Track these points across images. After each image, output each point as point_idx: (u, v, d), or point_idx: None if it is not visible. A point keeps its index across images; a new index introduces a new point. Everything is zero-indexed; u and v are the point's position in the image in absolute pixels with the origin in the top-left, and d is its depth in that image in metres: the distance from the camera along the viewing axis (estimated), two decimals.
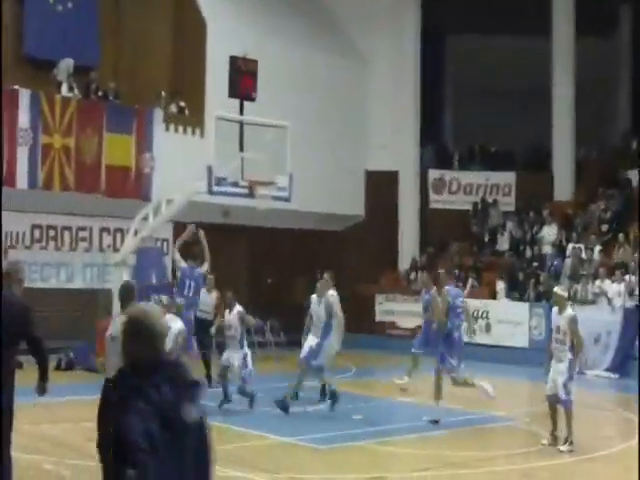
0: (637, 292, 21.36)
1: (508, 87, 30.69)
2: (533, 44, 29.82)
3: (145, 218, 19.46)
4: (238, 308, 14.60)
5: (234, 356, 14.22)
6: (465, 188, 29.65)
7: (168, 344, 11.76)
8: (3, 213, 20.44)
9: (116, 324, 9.11)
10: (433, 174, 29.77)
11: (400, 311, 24.13)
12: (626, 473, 11.66)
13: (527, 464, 11.58)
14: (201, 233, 17.15)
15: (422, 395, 16.11)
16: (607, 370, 21.10)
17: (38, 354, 8.12)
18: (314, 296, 15.04)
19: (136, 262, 19.00)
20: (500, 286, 24.06)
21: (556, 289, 13.43)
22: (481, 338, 23.74)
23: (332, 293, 15.75)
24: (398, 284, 27.09)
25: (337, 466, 11.36)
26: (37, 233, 21.85)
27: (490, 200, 29.03)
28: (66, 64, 21.97)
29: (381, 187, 28.60)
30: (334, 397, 14.41)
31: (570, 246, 24.24)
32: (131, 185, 21.90)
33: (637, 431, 11.40)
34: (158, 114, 22.86)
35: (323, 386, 15.04)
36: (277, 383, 15.66)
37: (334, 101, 27.41)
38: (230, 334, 14.42)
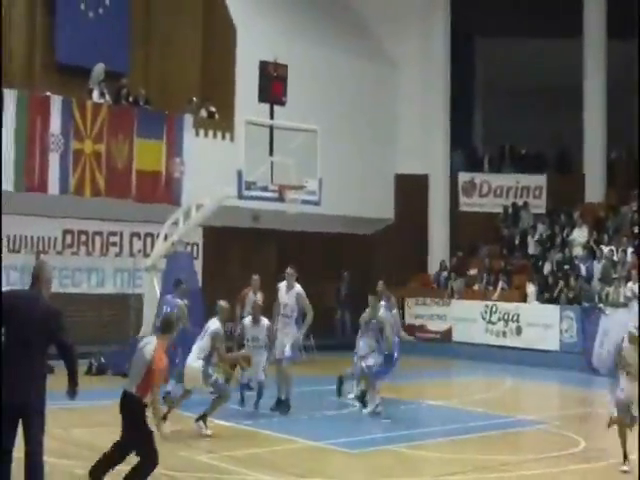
0: None
1: (538, 89, 30.62)
2: (564, 45, 29.75)
3: (175, 223, 19.54)
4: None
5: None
6: (495, 191, 29.57)
7: None
8: (35, 218, 20.91)
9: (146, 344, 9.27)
10: (463, 177, 29.72)
11: (430, 314, 24.13)
12: None
13: (557, 468, 11.51)
14: None
15: (452, 399, 16.11)
16: None
17: (67, 359, 8.19)
18: (283, 285, 15.24)
19: (166, 267, 19.07)
20: (530, 289, 23.97)
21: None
22: (512, 341, 23.69)
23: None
24: (428, 288, 27.07)
25: (367, 470, 11.37)
26: (68, 238, 22.01)
27: (520, 203, 28.93)
28: (98, 70, 22.15)
29: (411, 190, 28.60)
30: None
31: (602, 248, 24.14)
32: (161, 190, 22.02)
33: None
34: (188, 119, 22.98)
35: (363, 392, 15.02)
36: (308, 387, 15.70)
37: (363, 105, 27.44)
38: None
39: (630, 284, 22.02)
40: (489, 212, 29.11)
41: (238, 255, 24.65)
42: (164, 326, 9.42)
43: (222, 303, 13.26)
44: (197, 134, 23.24)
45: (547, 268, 24.67)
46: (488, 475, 11.12)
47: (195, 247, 23.26)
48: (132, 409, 8.84)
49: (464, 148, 31.19)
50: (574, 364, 21.67)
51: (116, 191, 21.32)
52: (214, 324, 12.82)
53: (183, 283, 16.59)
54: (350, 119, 26.82)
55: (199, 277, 20.77)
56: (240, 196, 17.85)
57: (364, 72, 27.78)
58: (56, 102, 20.57)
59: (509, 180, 29.61)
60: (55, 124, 20.44)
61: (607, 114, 28.78)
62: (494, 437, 13.69)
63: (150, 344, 9.14)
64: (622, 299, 22.09)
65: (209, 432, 12.55)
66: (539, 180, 29.44)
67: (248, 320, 14.95)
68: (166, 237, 19.59)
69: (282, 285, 15.54)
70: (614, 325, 21.67)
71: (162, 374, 9.03)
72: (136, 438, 8.79)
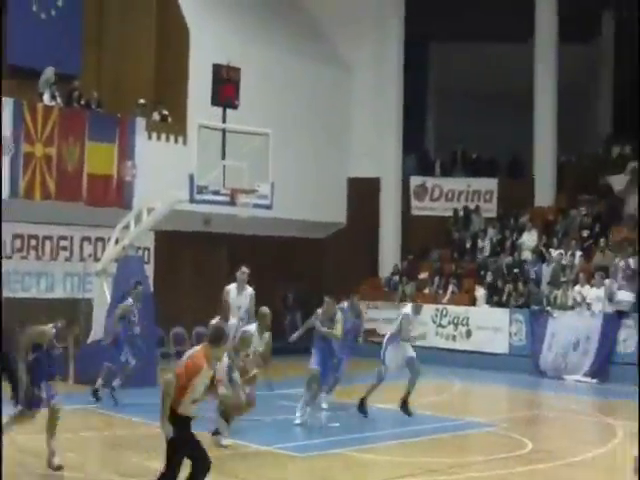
0: (617, 297, 21.54)
1: (490, 94, 30.88)
2: (515, 51, 30.05)
3: (126, 227, 19.46)
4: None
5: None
6: (447, 195, 29.79)
7: None
8: None
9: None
10: (415, 181, 29.90)
11: (381, 318, 24.16)
12: (604, 476, 11.83)
13: (505, 470, 11.64)
14: None
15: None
16: (586, 375, 21.29)
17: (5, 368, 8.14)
18: (233, 287, 15.22)
19: (117, 271, 19.01)
20: (480, 292, 24.20)
21: None
22: (461, 344, 23.90)
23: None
24: (379, 291, 27.19)
25: (316, 474, 11.42)
26: (18, 242, 21.77)
27: (472, 207, 29.17)
28: (47, 74, 21.98)
29: (363, 194, 28.73)
30: None
31: (552, 252, 24.42)
32: (112, 194, 21.92)
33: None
34: (140, 122, 22.89)
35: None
36: (259, 391, 15.70)
37: (317, 109, 27.52)
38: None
39: (578, 287, 22.32)
40: (440, 216, 29.32)
41: (190, 259, 24.61)
42: (211, 337, 8.64)
43: (264, 309, 13.07)
44: (149, 137, 23.16)
45: (497, 272, 24.91)
46: (437, 478, 11.25)
47: (146, 251, 23.18)
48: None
49: (416, 152, 31.38)
50: (523, 367, 21.93)
51: (67, 195, 21.18)
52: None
53: (141, 285, 16.64)
54: (303, 123, 26.89)
55: (150, 281, 20.69)
56: (192, 200, 17.84)
57: (318, 76, 27.86)
58: (7, 104, 20.40)
59: (460, 184, 29.85)
60: (6, 127, 20.27)
61: (557, 118, 29.05)
62: (443, 440, 13.83)
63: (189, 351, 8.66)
64: (570, 302, 22.40)
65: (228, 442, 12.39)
66: (490, 184, 29.69)
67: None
68: (117, 241, 19.53)
69: (232, 287, 15.54)
70: (562, 328, 22.10)
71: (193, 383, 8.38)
72: (179, 446, 8.43)
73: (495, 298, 24.11)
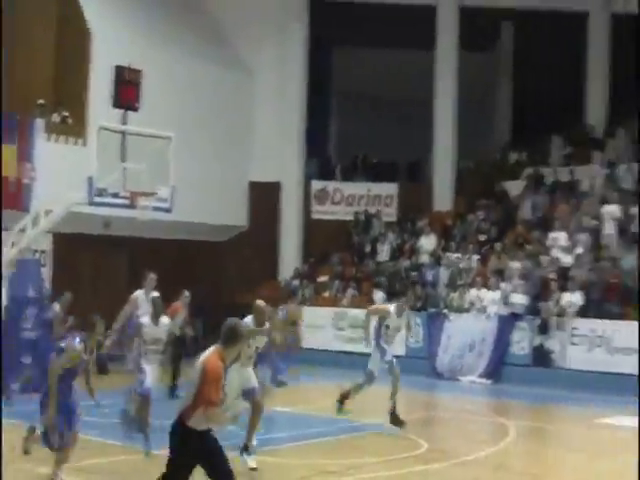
0: (511, 300, 22.06)
1: (392, 100, 31.30)
2: (417, 58, 30.46)
3: (23, 229, 19.22)
4: None
5: None
6: (348, 199, 30.08)
7: None
8: None
9: None
10: (316, 185, 30.13)
11: None
12: (495, 474, 12.14)
13: (401, 470, 11.85)
14: None
15: (299, 404, 16.36)
16: (481, 376, 21.74)
17: None
18: (140, 293, 15.20)
19: (13, 274, 18.72)
20: (378, 295, 24.46)
21: None
22: (359, 347, 24.04)
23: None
24: (278, 294, 27.21)
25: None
26: None
27: (372, 211, 29.47)
28: None
29: (264, 198, 28.85)
30: None
31: (449, 255, 24.86)
32: (9, 196, 21.55)
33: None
34: (39, 124, 22.60)
35: None
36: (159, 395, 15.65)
37: (219, 112, 27.50)
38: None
39: (474, 290, 22.78)
40: (341, 220, 29.57)
41: (89, 262, 24.37)
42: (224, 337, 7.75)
43: (260, 302, 12.41)
44: (49, 139, 22.90)
45: (395, 275, 25.24)
46: (333, 479, 11.38)
47: (43, 254, 22.86)
48: None
49: (318, 156, 31.60)
50: (420, 369, 22.24)
51: None
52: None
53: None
54: (205, 126, 26.86)
55: (48, 284, 20.43)
56: (91, 202, 17.73)
57: (221, 78, 27.88)
58: None
59: (361, 188, 30.16)
60: None
61: (457, 125, 29.55)
62: (340, 441, 14.00)
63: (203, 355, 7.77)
64: (466, 305, 22.85)
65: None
66: (390, 189, 30.07)
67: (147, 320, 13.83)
68: (13, 244, 19.24)
69: (140, 293, 15.42)
70: (458, 330, 22.55)
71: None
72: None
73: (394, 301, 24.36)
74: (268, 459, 12.47)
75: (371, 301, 24.80)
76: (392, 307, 15.35)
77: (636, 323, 20.21)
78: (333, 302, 25.54)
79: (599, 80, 29.76)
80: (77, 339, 10.32)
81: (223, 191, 27.45)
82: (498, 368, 21.66)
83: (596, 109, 29.74)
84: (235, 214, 28.27)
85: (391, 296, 24.49)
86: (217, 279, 26.88)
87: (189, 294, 17.88)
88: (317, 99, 31.16)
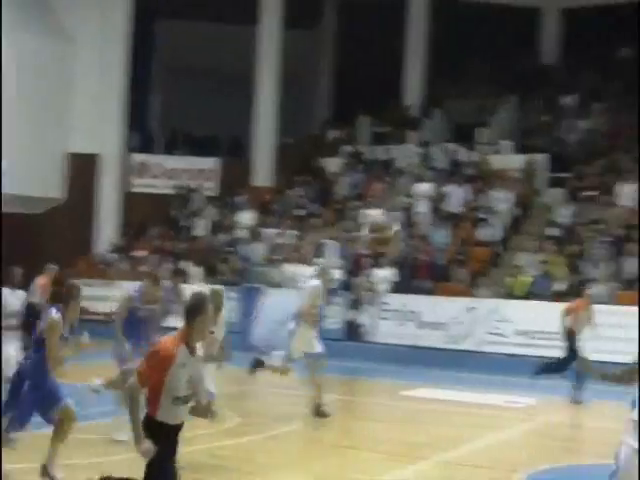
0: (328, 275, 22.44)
1: (214, 74, 31.21)
2: (240, 32, 30.47)
3: None
4: None
5: None
6: (169, 173, 29.91)
7: None
8: None
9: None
10: (137, 158, 29.83)
11: (94, 296, 23.83)
12: (306, 446, 12.46)
13: (212, 444, 11.92)
14: None
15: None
16: None
17: None
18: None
19: None
20: (194, 270, 24.47)
21: None
22: (175, 322, 24.01)
23: None
24: (94, 268, 26.95)
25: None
26: None
27: (193, 185, 29.42)
28: None
29: (82, 170, 28.36)
30: None
31: (266, 231, 25.13)
32: None
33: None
34: None
35: None
36: None
37: (38, 81, 26.84)
38: None
39: (290, 265, 23.08)
40: (162, 194, 29.38)
41: None
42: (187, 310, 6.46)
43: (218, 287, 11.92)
44: None
45: (213, 250, 25.34)
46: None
47: None
48: None
49: (140, 129, 31.27)
50: (235, 344, 22.29)
51: None
52: None
53: None
54: (23, 95, 26.15)
55: None
56: None
57: (41, 47, 27.20)
58: None
59: (182, 162, 30.04)
60: None
61: (278, 101, 29.74)
62: None
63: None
64: (281, 280, 23.14)
65: None
66: (211, 163, 30.07)
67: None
68: None
69: None
70: (273, 305, 22.82)
71: None
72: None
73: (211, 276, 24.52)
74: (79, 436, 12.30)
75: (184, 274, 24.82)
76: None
77: (444, 298, 21.11)
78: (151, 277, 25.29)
79: (417, 61, 30.56)
80: None
81: (39, 162, 26.84)
82: None
83: (413, 90, 30.55)
84: (51, 186, 27.68)
85: (208, 271, 24.68)
86: (35, 253, 26.23)
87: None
88: (140, 71, 30.77)
